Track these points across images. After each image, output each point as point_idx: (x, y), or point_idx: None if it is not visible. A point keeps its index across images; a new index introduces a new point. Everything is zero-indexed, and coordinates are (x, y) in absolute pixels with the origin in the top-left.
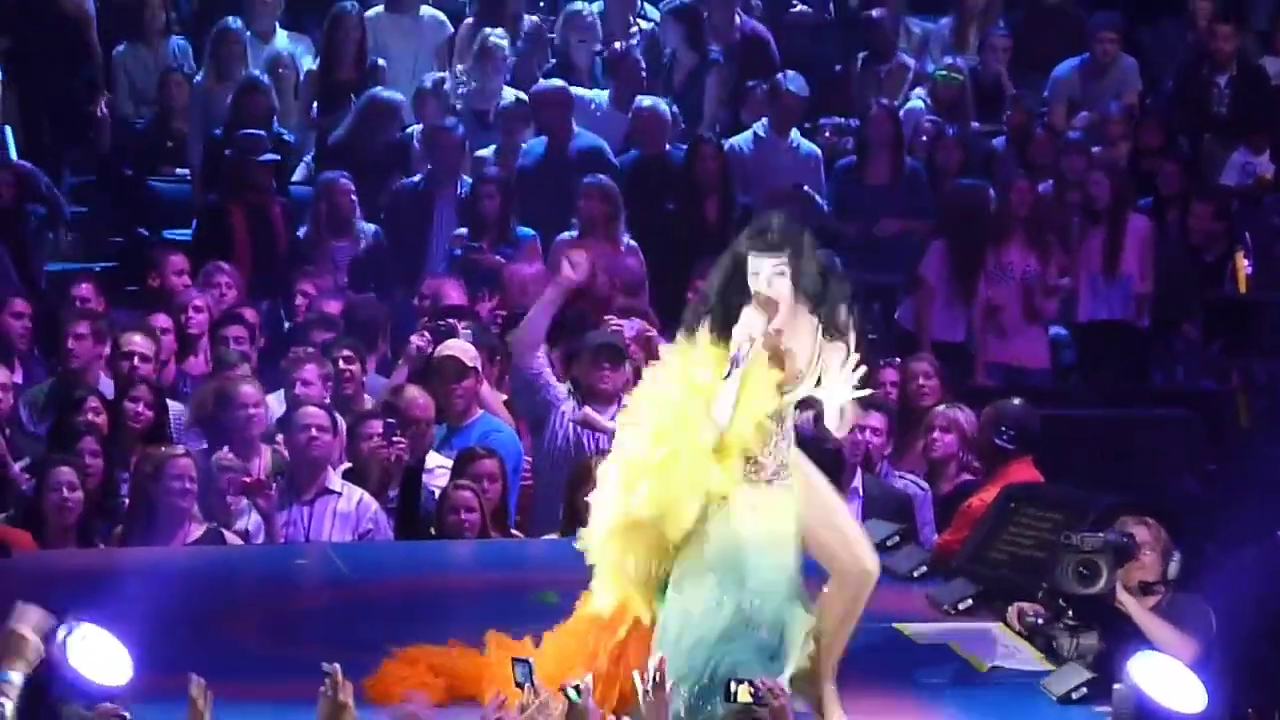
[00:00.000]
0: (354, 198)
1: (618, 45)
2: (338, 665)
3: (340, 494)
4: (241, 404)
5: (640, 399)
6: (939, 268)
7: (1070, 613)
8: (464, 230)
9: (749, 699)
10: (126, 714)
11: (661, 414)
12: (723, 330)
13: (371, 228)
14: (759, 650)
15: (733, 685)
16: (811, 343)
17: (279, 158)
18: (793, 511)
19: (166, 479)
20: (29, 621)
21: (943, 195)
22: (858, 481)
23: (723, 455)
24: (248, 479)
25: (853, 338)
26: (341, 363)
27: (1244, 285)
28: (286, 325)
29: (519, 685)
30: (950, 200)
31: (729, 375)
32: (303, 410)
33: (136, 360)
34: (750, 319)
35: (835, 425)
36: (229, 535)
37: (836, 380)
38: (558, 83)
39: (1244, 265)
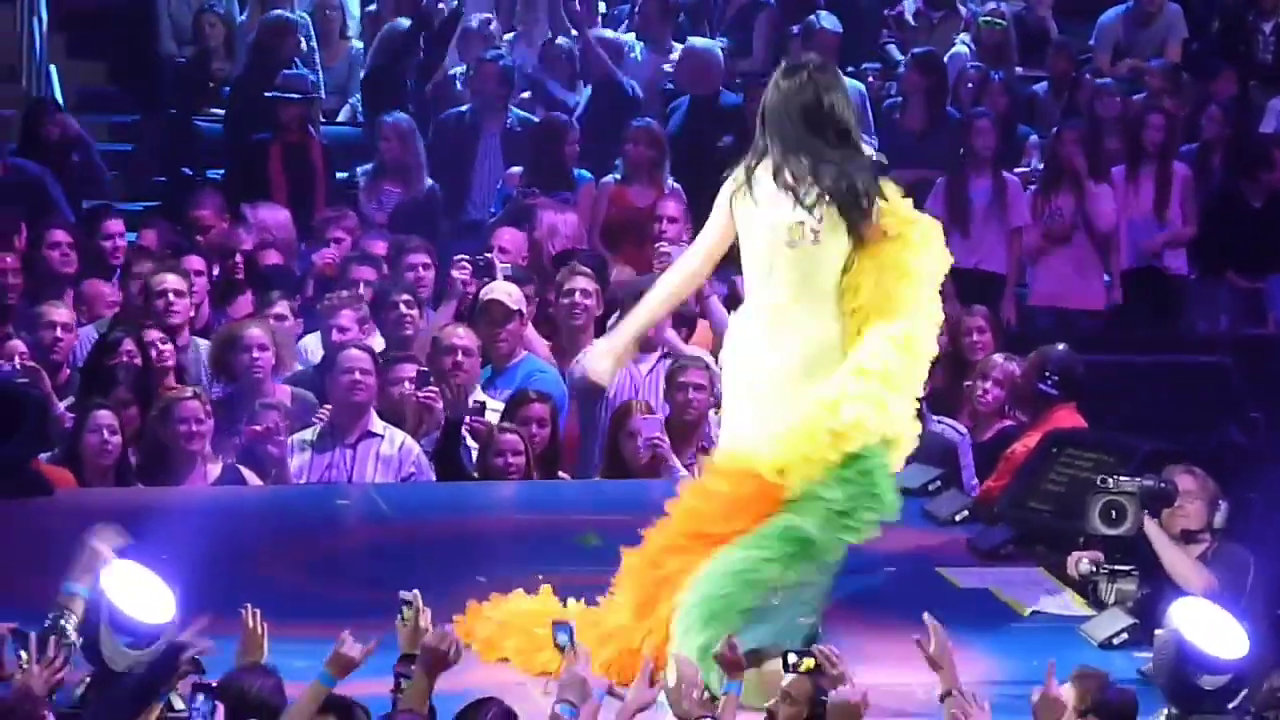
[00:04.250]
0: (417, 141)
1: None
2: (417, 592)
3: (382, 437)
4: (245, 346)
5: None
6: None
7: (1110, 557)
8: (518, 169)
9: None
10: (201, 663)
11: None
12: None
13: (429, 182)
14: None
15: (790, 656)
16: None
17: (309, 95)
18: None
19: (174, 422)
20: (106, 539)
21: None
22: None
23: None
24: (258, 427)
25: None
26: (402, 307)
27: None
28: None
29: (559, 648)
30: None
31: None
32: (345, 353)
33: (171, 298)
34: None
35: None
36: (247, 474)
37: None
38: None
39: None
